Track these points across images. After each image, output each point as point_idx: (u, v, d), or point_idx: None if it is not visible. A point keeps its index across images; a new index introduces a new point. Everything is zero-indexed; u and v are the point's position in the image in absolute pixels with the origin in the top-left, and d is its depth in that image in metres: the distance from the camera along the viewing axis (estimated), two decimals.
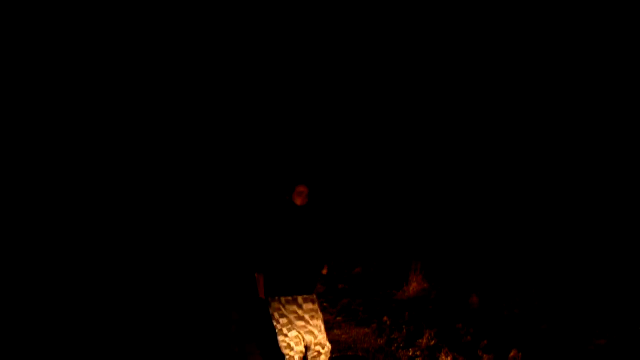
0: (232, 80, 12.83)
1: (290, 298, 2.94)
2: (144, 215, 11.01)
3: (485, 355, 4.09)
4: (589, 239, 7.18)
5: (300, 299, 2.94)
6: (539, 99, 9.06)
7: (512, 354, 4.03)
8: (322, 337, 2.97)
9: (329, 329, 5.41)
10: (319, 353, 2.97)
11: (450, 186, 10.27)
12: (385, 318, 5.53)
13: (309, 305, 2.97)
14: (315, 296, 3.06)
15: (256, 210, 3.20)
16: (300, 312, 2.94)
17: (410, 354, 4.36)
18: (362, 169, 12.17)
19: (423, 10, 10.58)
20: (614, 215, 7.30)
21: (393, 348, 4.57)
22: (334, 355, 4.50)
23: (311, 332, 2.94)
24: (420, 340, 4.59)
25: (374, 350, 4.60)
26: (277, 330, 3.01)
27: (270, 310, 3.01)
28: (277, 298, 2.96)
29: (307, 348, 3.02)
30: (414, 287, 6.62)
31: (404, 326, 5.14)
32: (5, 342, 4.75)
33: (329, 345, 3.03)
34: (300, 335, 2.96)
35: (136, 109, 11.94)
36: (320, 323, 3.00)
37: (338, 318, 5.90)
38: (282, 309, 2.94)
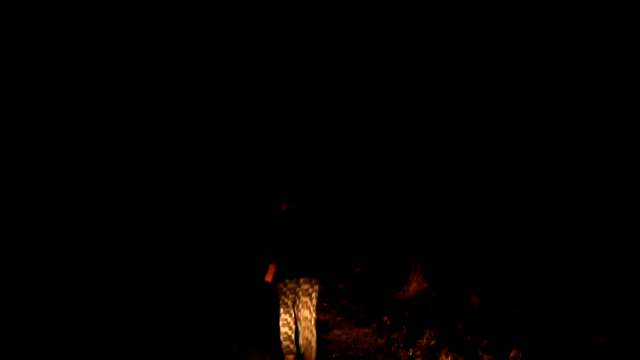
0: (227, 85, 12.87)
1: (301, 280, 3.75)
2: (146, 215, 11.01)
3: (485, 355, 4.09)
4: (589, 239, 7.18)
5: (301, 281, 3.76)
6: (539, 99, 9.07)
7: (512, 354, 4.03)
8: (313, 316, 3.81)
9: (328, 329, 5.42)
10: (309, 339, 3.75)
11: (450, 186, 10.27)
12: (385, 318, 5.53)
13: (316, 287, 3.83)
14: (317, 280, 3.83)
15: (269, 216, 4.07)
16: (309, 289, 3.77)
17: (410, 354, 4.36)
18: (362, 169, 12.17)
19: (423, 11, 10.58)
20: (614, 215, 7.30)
21: (393, 348, 4.58)
22: (334, 355, 4.51)
23: (309, 307, 3.76)
24: (420, 340, 4.60)
25: (374, 350, 4.60)
26: (282, 306, 3.82)
27: (280, 290, 3.80)
28: (288, 280, 3.75)
29: (297, 324, 3.82)
30: (414, 287, 6.62)
31: (404, 326, 5.14)
32: (5, 342, 4.75)
33: (315, 318, 3.84)
34: (297, 314, 3.81)
35: (140, 113, 11.95)
36: (315, 302, 3.84)
37: (338, 318, 5.90)
38: (292, 289, 3.76)
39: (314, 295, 3.81)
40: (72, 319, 5.56)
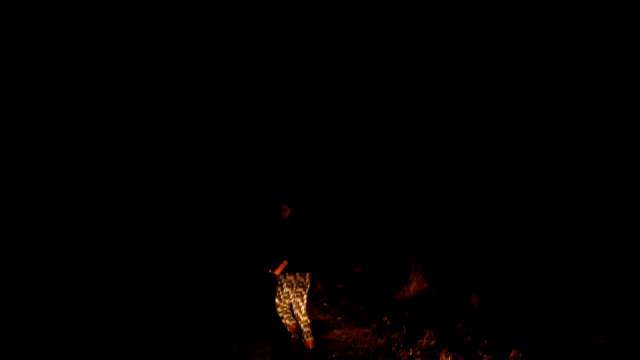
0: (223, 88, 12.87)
1: (303, 273, 4.56)
2: (146, 216, 11.01)
3: (485, 355, 4.09)
4: (589, 239, 7.18)
5: (307, 274, 4.60)
6: (539, 99, 9.06)
7: (512, 354, 4.03)
8: (304, 307, 4.62)
9: (328, 329, 5.42)
10: (306, 322, 4.61)
11: (450, 186, 10.27)
12: (385, 318, 5.53)
13: (309, 279, 4.63)
14: (310, 274, 4.66)
15: (275, 219, 4.93)
16: (309, 281, 4.64)
17: (410, 354, 4.36)
18: (362, 170, 12.17)
19: (423, 11, 10.58)
20: (613, 215, 7.30)
21: (393, 348, 4.58)
22: (334, 355, 4.51)
23: (305, 293, 4.61)
24: (420, 340, 4.60)
25: (374, 350, 4.60)
26: (281, 293, 4.66)
27: (283, 280, 4.62)
28: (298, 274, 4.55)
29: (293, 310, 4.64)
30: (414, 287, 6.62)
31: (404, 326, 5.14)
32: (5, 342, 4.75)
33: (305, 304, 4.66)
34: (292, 302, 4.61)
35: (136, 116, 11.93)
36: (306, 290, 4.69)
37: (338, 318, 5.90)
38: (293, 280, 4.56)
39: (308, 285, 4.69)
40: (72, 319, 5.56)
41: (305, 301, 4.63)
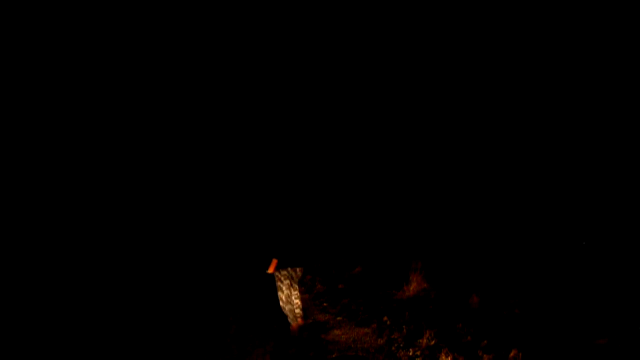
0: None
1: (295, 269, 5.14)
2: (146, 217, 11.01)
3: (485, 355, 4.09)
4: (589, 239, 7.18)
5: (298, 269, 5.17)
6: (539, 99, 9.07)
7: (512, 354, 4.03)
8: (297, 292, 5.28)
9: (328, 329, 5.42)
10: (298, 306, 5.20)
11: (450, 187, 10.27)
12: (385, 318, 5.53)
13: (300, 273, 5.24)
14: (302, 268, 5.26)
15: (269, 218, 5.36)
16: (300, 275, 5.24)
17: (410, 354, 4.36)
18: (362, 170, 12.17)
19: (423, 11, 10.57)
20: (613, 215, 7.31)
21: (393, 348, 4.58)
22: (334, 355, 4.51)
23: (297, 285, 5.22)
24: (420, 340, 4.60)
25: (374, 350, 4.60)
26: (281, 285, 5.11)
27: (279, 275, 5.10)
28: (290, 269, 5.10)
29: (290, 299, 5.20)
30: (414, 287, 6.62)
31: (404, 326, 5.14)
32: (5, 342, 4.75)
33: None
34: (290, 292, 5.19)
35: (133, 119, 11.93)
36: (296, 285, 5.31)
37: (338, 318, 5.90)
38: (287, 274, 5.10)
39: (299, 277, 5.27)
40: (72, 319, 5.56)
41: (296, 290, 5.21)
